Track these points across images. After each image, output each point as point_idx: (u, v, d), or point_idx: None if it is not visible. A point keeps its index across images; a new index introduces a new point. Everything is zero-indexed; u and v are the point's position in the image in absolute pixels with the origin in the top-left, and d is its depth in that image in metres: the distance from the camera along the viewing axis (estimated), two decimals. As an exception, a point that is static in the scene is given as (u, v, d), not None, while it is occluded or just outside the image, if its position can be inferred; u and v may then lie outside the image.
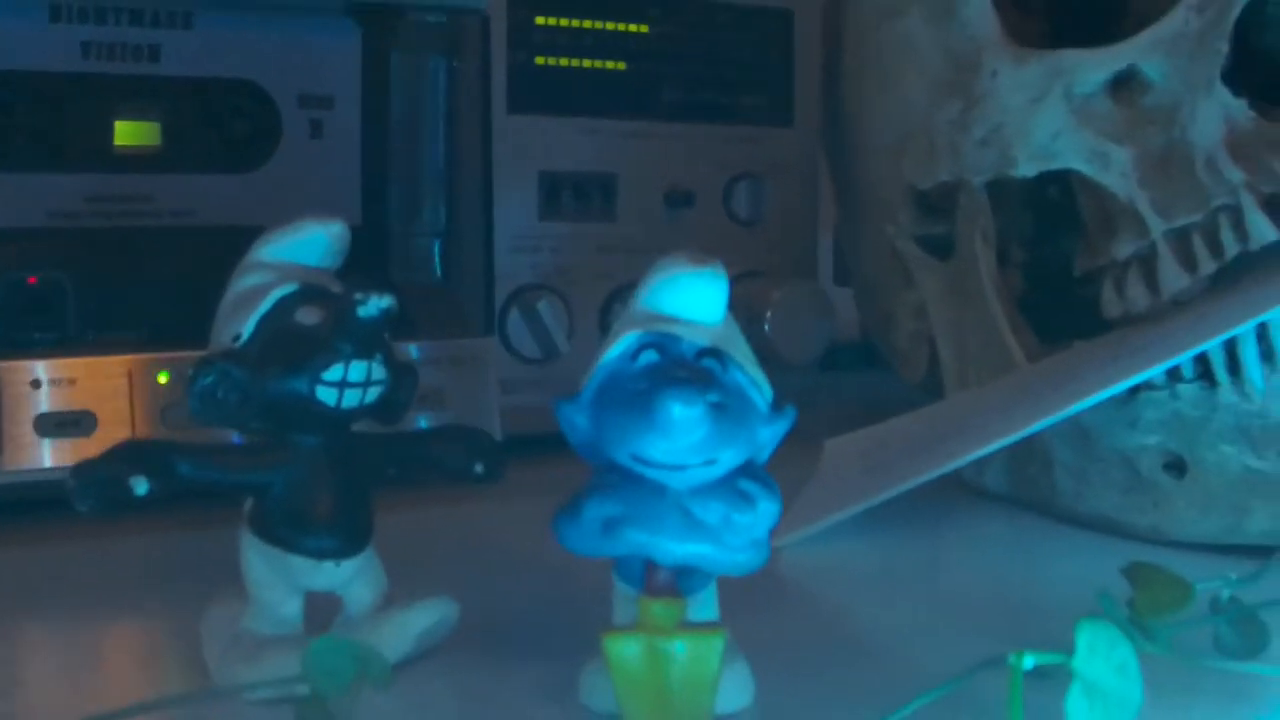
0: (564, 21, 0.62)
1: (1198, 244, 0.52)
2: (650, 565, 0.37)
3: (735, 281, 0.65)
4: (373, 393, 0.39)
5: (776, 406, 0.37)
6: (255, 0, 0.54)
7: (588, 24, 0.63)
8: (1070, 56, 0.55)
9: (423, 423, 0.53)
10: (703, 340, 0.37)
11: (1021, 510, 0.57)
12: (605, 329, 0.63)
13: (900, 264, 0.62)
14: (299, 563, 0.39)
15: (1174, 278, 0.52)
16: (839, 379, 0.75)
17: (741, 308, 0.64)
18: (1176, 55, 0.53)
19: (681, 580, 0.37)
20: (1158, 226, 0.53)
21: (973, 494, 0.59)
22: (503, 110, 0.60)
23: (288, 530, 0.39)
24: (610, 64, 0.63)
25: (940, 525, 0.56)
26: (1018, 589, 0.49)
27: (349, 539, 0.40)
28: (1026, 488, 0.57)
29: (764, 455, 0.38)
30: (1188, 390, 0.52)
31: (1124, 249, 0.54)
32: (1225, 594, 0.41)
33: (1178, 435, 0.52)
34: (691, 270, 0.37)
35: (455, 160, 0.59)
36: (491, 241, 0.59)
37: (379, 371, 0.39)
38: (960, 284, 0.59)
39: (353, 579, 0.40)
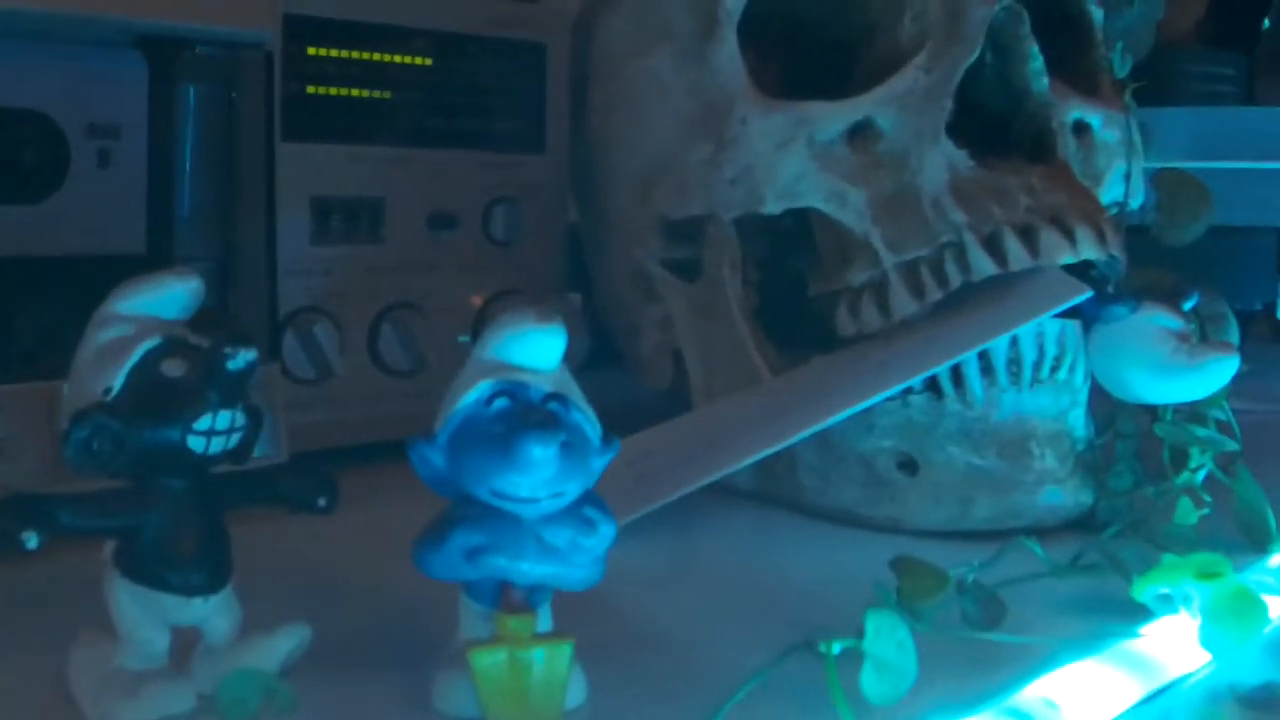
0: (334, 52, 0.65)
1: (925, 274, 0.60)
2: (506, 585, 0.43)
3: (493, 299, 0.72)
4: (235, 438, 0.43)
5: (605, 439, 0.44)
6: (42, 30, 0.56)
7: (356, 55, 0.66)
8: (813, 108, 0.62)
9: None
10: (547, 386, 0.43)
11: (769, 506, 0.64)
12: (373, 349, 0.67)
13: (643, 281, 0.68)
14: (170, 600, 0.42)
15: (904, 303, 0.60)
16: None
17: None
18: (906, 109, 0.61)
19: (530, 597, 0.43)
20: (889, 259, 0.61)
21: (722, 491, 0.66)
22: (277, 139, 0.64)
23: (159, 569, 0.42)
24: (377, 93, 0.67)
25: (697, 523, 0.63)
26: (780, 579, 0.56)
27: (215, 574, 0.43)
28: (773, 485, 0.64)
29: (594, 481, 0.44)
30: (918, 400, 0.60)
31: (858, 277, 0.62)
32: (970, 577, 0.50)
33: (909, 438, 0.60)
34: (541, 327, 0.43)
35: (237, 189, 0.62)
36: (275, 265, 0.62)
37: (240, 418, 0.43)
38: (707, 304, 0.66)
39: (215, 612, 0.44)
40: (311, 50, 0.65)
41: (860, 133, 0.62)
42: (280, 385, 0.63)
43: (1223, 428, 0.61)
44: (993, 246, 0.59)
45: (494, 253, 0.71)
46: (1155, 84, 0.74)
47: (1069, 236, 0.58)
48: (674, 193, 0.65)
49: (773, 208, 0.62)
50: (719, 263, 0.65)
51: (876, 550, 0.58)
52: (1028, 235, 0.58)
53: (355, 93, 0.66)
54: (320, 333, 0.64)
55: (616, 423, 0.63)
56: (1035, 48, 0.61)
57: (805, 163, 0.62)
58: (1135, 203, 0.67)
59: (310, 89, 0.65)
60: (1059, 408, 0.60)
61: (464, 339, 0.70)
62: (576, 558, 0.42)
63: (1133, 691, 0.45)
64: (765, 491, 0.65)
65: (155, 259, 0.61)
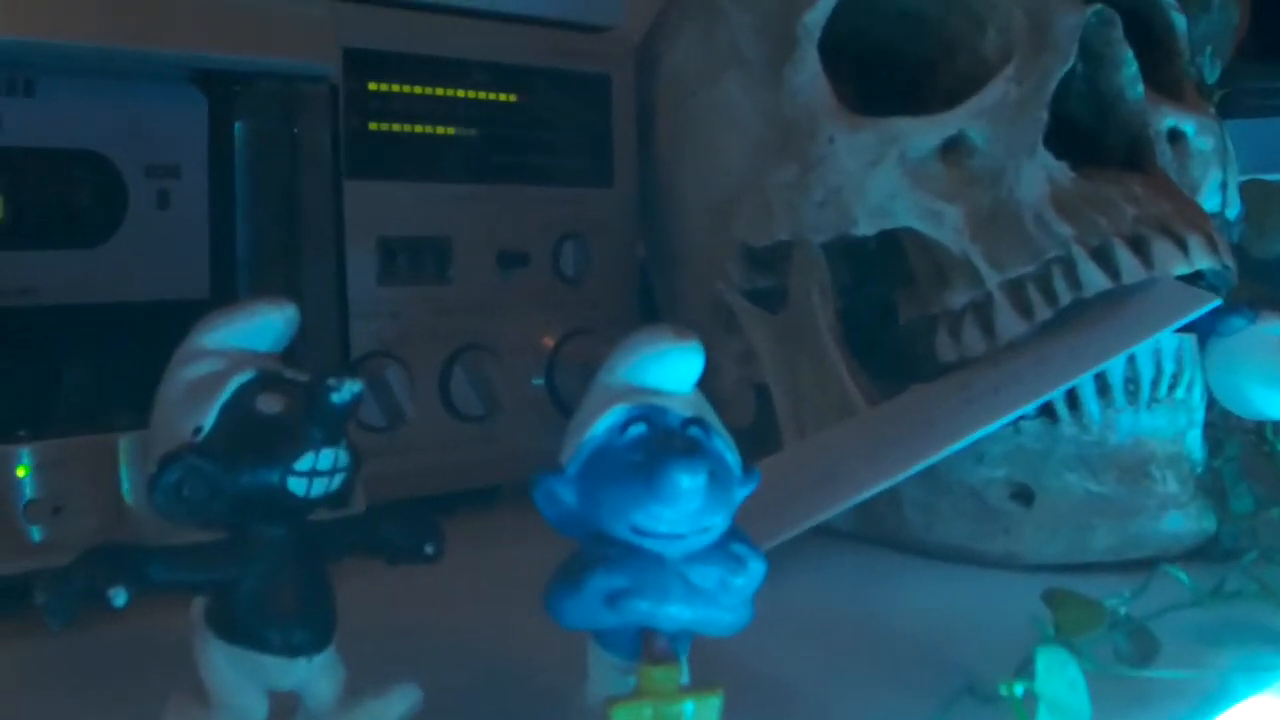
0: (396, 87, 0.61)
1: (1033, 292, 0.55)
2: (648, 633, 0.37)
3: (565, 339, 0.66)
4: (338, 479, 0.38)
5: (746, 469, 0.38)
6: (97, 67, 0.51)
7: (419, 90, 0.61)
8: (902, 124, 0.57)
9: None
10: (686, 411, 0.37)
11: (871, 545, 0.59)
12: (445, 393, 0.62)
13: (722, 313, 0.63)
14: (270, 661, 0.36)
15: (1011, 323, 0.55)
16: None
17: (573, 364, 0.64)
18: (999, 122, 0.57)
19: (673, 645, 0.38)
20: (992, 277, 0.56)
21: (820, 533, 0.61)
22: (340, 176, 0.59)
23: (259, 627, 0.36)
24: (441, 129, 0.62)
25: (797, 567, 0.57)
26: (897, 622, 0.51)
27: (320, 631, 0.37)
28: (875, 523, 0.59)
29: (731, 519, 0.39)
30: (1031, 426, 0.55)
31: (959, 298, 0.57)
32: (1122, 610, 0.45)
33: (1023, 467, 0.55)
34: (679, 345, 0.37)
35: (302, 228, 0.57)
36: (345, 308, 0.57)
37: (344, 458, 0.38)
38: (794, 334, 0.61)
39: (319, 673, 0.38)
40: (373, 85, 0.60)
41: (953, 148, 0.57)
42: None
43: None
44: (1103, 259, 0.54)
45: (564, 291, 0.65)
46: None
47: (1181, 246, 0.54)
48: (757, 219, 0.60)
49: (865, 229, 0.57)
50: (808, 289, 0.60)
51: (992, 587, 0.53)
52: (1139, 246, 0.54)
53: (418, 129, 0.61)
54: (392, 377, 0.59)
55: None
56: (1129, 53, 0.57)
57: (898, 180, 0.57)
58: (1232, 212, 0.62)
59: (373, 125, 0.60)
60: (1177, 428, 0.55)
61: (538, 382, 0.64)
62: (726, 599, 0.36)
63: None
64: (867, 530, 0.59)
65: (219, 303, 0.56)
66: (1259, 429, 0.57)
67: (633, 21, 0.69)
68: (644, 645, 0.37)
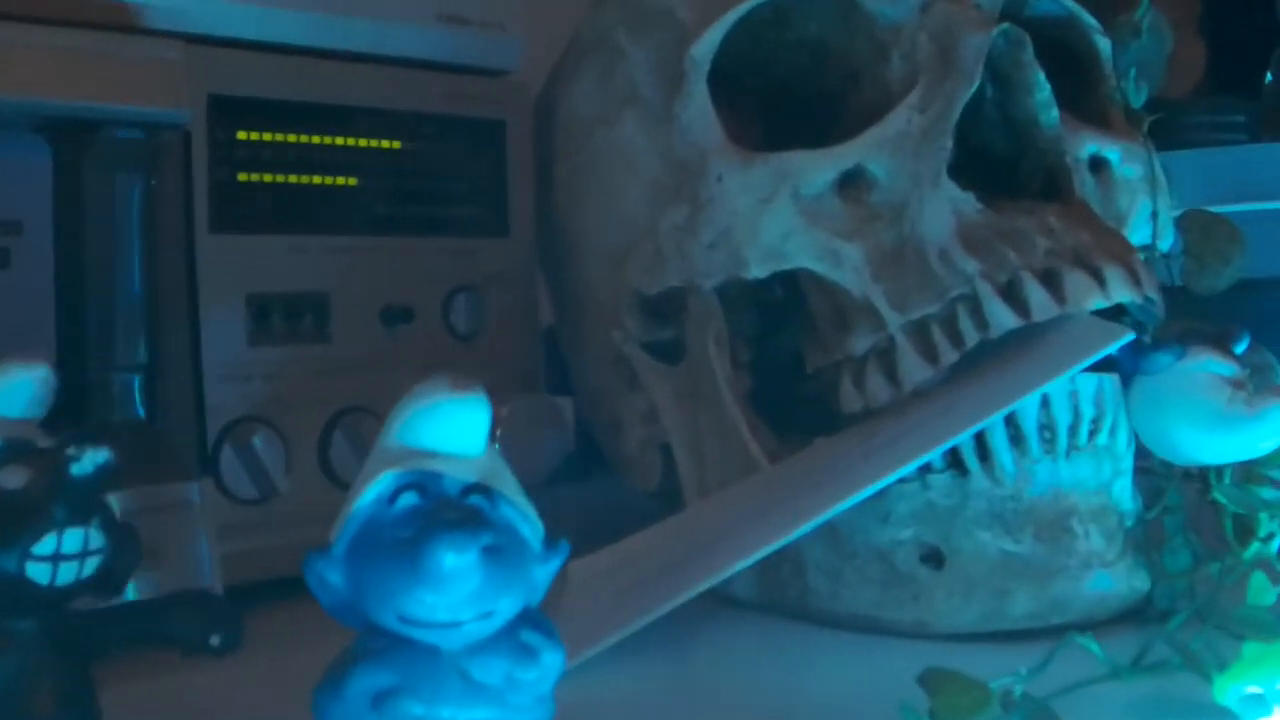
0: (268, 136, 0.55)
1: (937, 334, 0.49)
2: (424, 739, 0.31)
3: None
4: (91, 564, 0.32)
5: (549, 543, 0.32)
6: None
7: (292, 138, 0.56)
8: (797, 158, 0.52)
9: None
10: (469, 475, 0.31)
11: (776, 616, 0.52)
12: (324, 461, 0.56)
13: (625, 369, 0.57)
14: None
15: (916, 369, 0.49)
16: (558, 493, 0.70)
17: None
18: (901, 153, 0.51)
19: (460, 751, 0.31)
20: (894, 320, 0.50)
21: (723, 603, 0.54)
22: (204, 230, 0.53)
23: (1, 733, 0.31)
24: (318, 179, 0.57)
25: (693, 641, 0.51)
26: (777, 699, 0.45)
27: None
28: (778, 592, 0.52)
29: (538, 597, 0.33)
30: (939, 480, 0.49)
31: (861, 344, 0.51)
32: (1016, 689, 0.38)
33: (932, 526, 0.49)
34: (454, 398, 0.32)
35: (156, 286, 0.51)
36: (201, 373, 0.52)
37: (97, 539, 0.32)
38: (693, 388, 0.55)
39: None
40: (242, 134, 0.55)
41: (851, 182, 0.51)
42: (215, 507, 0.52)
43: (1290, 489, 0.48)
44: (1011, 295, 0.48)
45: (457, 348, 0.60)
46: (1161, 136, 0.63)
47: (1097, 278, 0.48)
48: (648, 265, 0.55)
49: (758, 271, 0.52)
50: (703, 339, 0.54)
51: (901, 659, 0.46)
52: (1050, 280, 0.48)
53: (293, 179, 0.56)
54: (260, 444, 0.53)
55: (611, 535, 0.52)
56: (1040, 75, 0.51)
57: (792, 219, 0.51)
58: (1165, 244, 0.56)
59: (242, 176, 0.55)
60: (1101, 479, 0.49)
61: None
62: (514, 698, 0.30)
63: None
64: (771, 600, 0.53)
65: (66, 369, 0.50)
66: (1202, 475, 0.50)
67: (533, 67, 0.63)
68: (424, 751, 0.30)
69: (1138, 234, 0.55)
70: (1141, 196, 0.55)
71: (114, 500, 0.47)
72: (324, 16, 0.56)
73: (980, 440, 0.48)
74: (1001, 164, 0.53)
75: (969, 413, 0.46)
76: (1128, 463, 0.50)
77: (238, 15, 0.54)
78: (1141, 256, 0.56)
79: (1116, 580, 0.48)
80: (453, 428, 0.31)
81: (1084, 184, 0.53)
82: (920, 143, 0.51)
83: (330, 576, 0.31)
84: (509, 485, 0.32)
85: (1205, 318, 0.55)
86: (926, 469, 0.49)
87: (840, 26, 0.55)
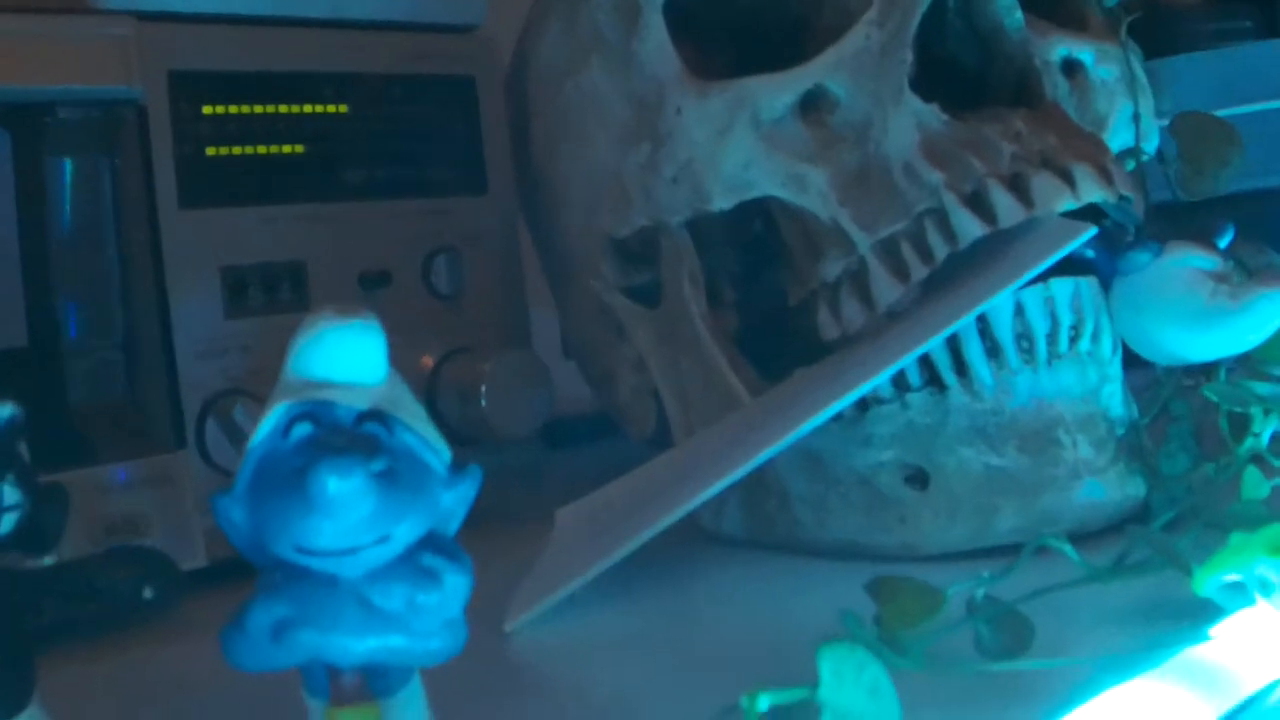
0: (233, 109, 0.55)
1: (906, 251, 0.47)
2: (332, 670, 0.30)
3: (445, 360, 0.59)
4: (8, 520, 0.31)
5: (457, 466, 0.31)
6: None
7: (259, 109, 0.55)
8: (753, 84, 0.50)
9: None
10: (362, 403, 0.30)
11: (764, 550, 0.51)
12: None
13: (611, 318, 0.56)
14: None
15: (887, 289, 0.47)
16: (572, 456, 0.69)
17: (453, 386, 0.57)
18: (861, 71, 0.49)
19: (373, 682, 0.30)
20: (863, 241, 0.48)
21: (713, 541, 0.53)
22: (174, 206, 0.52)
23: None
24: (287, 148, 0.56)
25: (681, 578, 0.50)
26: (769, 631, 0.43)
27: (6, 698, 0.31)
28: (765, 526, 0.51)
29: (453, 524, 0.31)
30: (917, 399, 0.47)
31: (832, 269, 0.49)
32: (979, 593, 0.36)
33: (913, 446, 0.47)
34: (338, 324, 0.30)
35: (126, 265, 0.51)
36: (172, 347, 0.51)
37: (12, 494, 0.31)
38: (673, 330, 0.53)
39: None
40: (208, 109, 0.54)
41: (812, 104, 0.50)
42: (199, 478, 0.51)
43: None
44: (978, 204, 0.46)
45: (439, 309, 0.59)
46: (1165, 42, 0.61)
47: (1066, 179, 0.46)
48: (616, 206, 0.53)
49: (722, 203, 0.50)
50: (678, 278, 0.52)
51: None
52: (1017, 184, 0.46)
53: (262, 149, 0.55)
54: (242, 416, 0.52)
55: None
56: (1000, -23, 0.48)
57: (752, 146, 0.49)
58: (1149, 146, 0.54)
59: (210, 150, 0.54)
60: (1087, 385, 0.47)
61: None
62: (418, 623, 0.29)
63: (1205, 713, 0.31)
64: (759, 535, 0.52)
65: (40, 350, 0.50)
66: (1206, 373, 0.48)
67: (503, 18, 0.62)
68: (331, 684, 0.29)
69: (1119, 137, 0.53)
70: (1121, 98, 0.53)
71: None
72: (279, -16, 0.55)
73: (956, 354, 0.46)
74: (971, 74, 0.51)
75: (933, 321, 0.44)
76: (1115, 368, 0.48)
77: (191, -12, 0.53)
78: (1130, 164, 0.54)
79: (1108, 488, 0.46)
80: (341, 355, 0.30)
81: (1056, 87, 0.51)
82: (880, 58, 0.49)
83: (234, 514, 0.30)
84: (410, 411, 0.31)
85: (1204, 220, 0.53)
86: (904, 388, 0.47)
87: None
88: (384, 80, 0.58)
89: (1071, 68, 0.52)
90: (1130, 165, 0.54)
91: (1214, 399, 0.45)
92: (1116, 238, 0.47)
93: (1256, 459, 0.43)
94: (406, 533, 0.29)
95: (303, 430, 0.30)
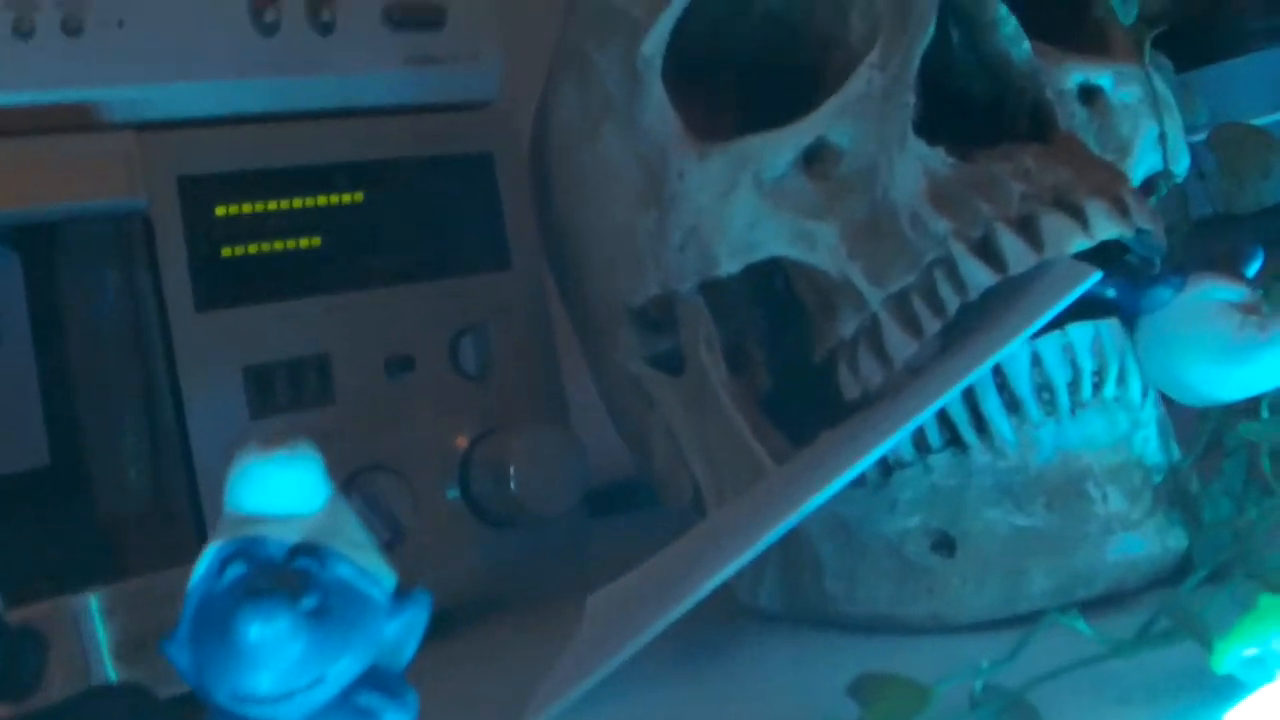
0: (246, 208, 0.55)
1: (918, 304, 0.45)
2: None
3: (478, 441, 0.58)
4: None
5: (401, 594, 0.30)
6: None
7: (272, 206, 0.56)
8: (754, 142, 0.48)
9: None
10: (294, 536, 0.30)
11: (799, 625, 0.49)
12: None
13: (639, 387, 0.55)
14: None
15: (901, 345, 0.45)
16: (620, 523, 0.67)
17: (486, 467, 0.56)
18: (864, 117, 0.47)
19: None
20: (875, 296, 0.46)
21: (752, 617, 0.51)
22: (190, 310, 0.53)
23: None
24: (304, 241, 0.56)
25: (719, 658, 0.48)
26: (794, 711, 0.41)
27: None
28: (800, 600, 0.49)
29: (403, 654, 0.31)
30: (939, 460, 0.45)
31: (848, 326, 0.47)
32: (978, 685, 0.34)
33: (938, 511, 0.45)
34: (263, 457, 0.30)
35: (143, 374, 0.51)
36: (191, 454, 0.51)
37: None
38: (697, 397, 0.52)
39: None
40: (220, 210, 0.54)
41: (816, 157, 0.48)
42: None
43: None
44: (987, 250, 0.44)
45: (469, 389, 0.58)
46: (1221, 46, 0.58)
47: (1078, 217, 0.43)
48: (630, 275, 0.52)
49: (729, 267, 0.49)
50: (695, 345, 0.51)
51: (919, 659, 0.42)
52: (1027, 226, 0.43)
53: (279, 245, 0.55)
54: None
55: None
56: (1002, 8, 0.47)
57: (757, 206, 0.48)
58: (1180, 168, 0.51)
59: (226, 251, 0.54)
60: (1117, 433, 0.44)
61: (453, 494, 0.56)
62: (357, 766, 0.28)
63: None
64: (795, 609, 0.50)
65: (63, 467, 0.51)
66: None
67: (517, 91, 0.61)
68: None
69: (1146, 160, 0.50)
70: (1145, 120, 0.50)
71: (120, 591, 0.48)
72: (286, 80, 0.55)
73: (976, 411, 0.44)
74: (985, 109, 0.49)
75: (943, 379, 0.42)
76: (1148, 412, 0.45)
77: (195, 95, 0.54)
78: (1162, 188, 0.51)
79: (1146, 542, 0.43)
80: (270, 488, 0.30)
81: (1073, 116, 0.49)
82: (883, 102, 0.47)
83: (178, 659, 0.29)
84: (349, 539, 0.30)
85: (1249, 236, 0.50)
86: (925, 450, 0.45)
87: None
88: (399, 164, 0.58)
89: (1090, 94, 0.50)
90: (1163, 189, 0.51)
91: (1253, 439, 0.42)
92: (1141, 273, 0.44)
93: None
94: (343, 672, 0.28)
95: (235, 570, 0.29)
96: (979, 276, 0.43)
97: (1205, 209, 0.55)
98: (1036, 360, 0.44)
